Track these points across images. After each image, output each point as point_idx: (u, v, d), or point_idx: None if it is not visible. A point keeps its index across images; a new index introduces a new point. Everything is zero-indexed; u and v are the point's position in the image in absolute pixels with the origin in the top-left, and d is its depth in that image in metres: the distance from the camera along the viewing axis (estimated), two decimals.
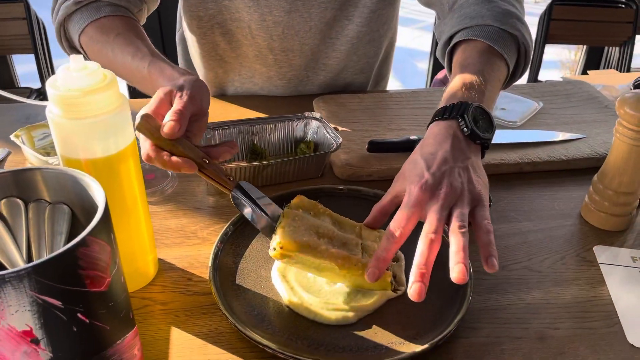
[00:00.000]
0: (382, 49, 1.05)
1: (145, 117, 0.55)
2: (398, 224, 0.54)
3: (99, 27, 0.77)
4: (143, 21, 0.90)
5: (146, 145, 0.56)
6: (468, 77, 0.66)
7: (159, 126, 0.55)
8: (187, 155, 0.56)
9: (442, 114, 0.62)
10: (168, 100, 0.58)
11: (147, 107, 0.57)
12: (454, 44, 0.78)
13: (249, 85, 1.04)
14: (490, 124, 0.62)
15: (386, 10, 0.98)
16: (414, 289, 0.50)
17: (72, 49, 0.85)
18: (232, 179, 0.59)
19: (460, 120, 0.60)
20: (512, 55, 0.75)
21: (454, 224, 0.53)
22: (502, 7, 0.76)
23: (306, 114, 0.83)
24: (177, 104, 0.56)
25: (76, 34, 0.80)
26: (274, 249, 0.56)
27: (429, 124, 0.64)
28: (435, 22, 0.87)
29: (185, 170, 0.55)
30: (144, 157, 0.56)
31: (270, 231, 0.58)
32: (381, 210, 0.61)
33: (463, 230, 0.52)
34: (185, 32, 1.05)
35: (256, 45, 0.97)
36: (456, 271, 0.49)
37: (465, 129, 0.60)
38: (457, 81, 0.66)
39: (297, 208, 0.60)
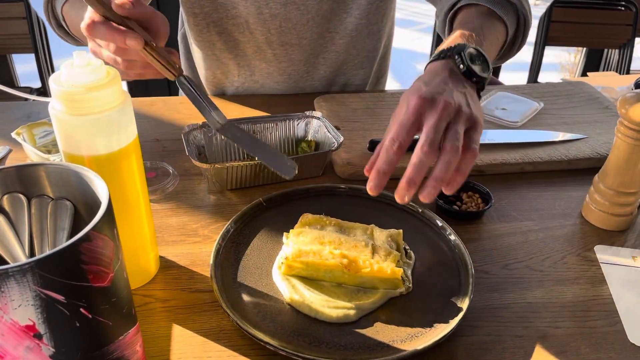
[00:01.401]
0: (382, 43, 1.06)
1: None
2: (397, 135, 0.53)
3: None
4: None
5: (94, 15, 0.55)
6: (467, 31, 0.67)
7: (108, 2, 0.55)
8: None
9: (439, 55, 0.61)
10: None
11: None
12: (455, 11, 0.79)
13: (249, 83, 1.04)
14: (486, 66, 0.61)
15: (384, 3, 0.99)
16: (398, 196, 0.52)
17: (60, 27, 0.88)
18: (178, 65, 0.59)
19: (457, 57, 0.60)
20: (512, 21, 0.75)
21: (449, 141, 0.52)
22: None
23: (307, 113, 0.83)
24: None
25: (59, 5, 0.83)
26: (282, 263, 0.58)
27: (426, 66, 0.63)
28: (436, 12, 0.89)
29: (130, 41, 0.54)
30: (85, 24, 0.55)
31: (214, 125, 0.59)
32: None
33: (456, 148, 0.51)
34: (186, 30, 1.05)
35: (254, 40, 0.97)
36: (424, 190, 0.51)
37: (461, 66, 0.59)
38: (456, 34, 0.67)
39: (302, 226, 0.63)
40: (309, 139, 0.83)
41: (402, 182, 0.51)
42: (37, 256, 0.34)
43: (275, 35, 0.96)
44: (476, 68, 0.59)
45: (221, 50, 1.00)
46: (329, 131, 0.80)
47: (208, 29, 0.97)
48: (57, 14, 0.85)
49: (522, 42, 0.80)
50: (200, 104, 0.59)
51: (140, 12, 0.56)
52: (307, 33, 0.97)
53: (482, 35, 0.66)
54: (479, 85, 0.61)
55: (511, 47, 0.80)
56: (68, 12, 0.83)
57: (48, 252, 0.34)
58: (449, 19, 0.80)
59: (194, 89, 0.59)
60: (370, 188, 0.53)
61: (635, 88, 1.07)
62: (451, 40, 0.65)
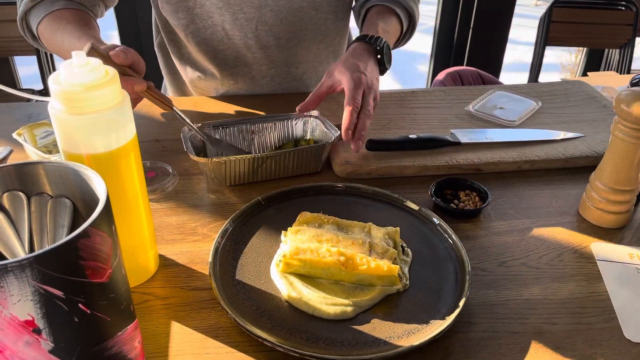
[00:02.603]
0: (347, 37, 1.10)
1: (91, 44, 0.67)
2: (356, 100, 0.76)
3: (54, 17, 0.86)
4: (101, 15, 0.94)
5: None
6: (381, 26, 0.92)
7: (106, 54, 0.67)
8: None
9: (365, 38, 0.87)
10: (114, 47, 0.70)
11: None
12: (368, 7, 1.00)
13: (234, 90, 1.06)
14: (389, 59, 0.88)
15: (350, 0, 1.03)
16: (353, 147, 0.76)
17: (34, 39, 0.93)
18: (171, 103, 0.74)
19: (377, 48, 0.86)
20: (405, 18, 0.98)
21: (366, 108, 0.78)
22: None
23: (305, 112, 0.84)
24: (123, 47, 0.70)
25: (34, 25, 0.88)
26: (280, 261, 0.59)
27: (353, 42, 0.88)
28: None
29: (138, 87, 0.69)
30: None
31: (212, 144, 0.78)
32: (320, 97, 0.82)
33: (368, 113, 0.77)
34: (165, 40, 1.06)
35: (233, 47, 0.99)
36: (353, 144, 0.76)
37: (379, 57, 0.86)
38: (376, 27, 0.91)
39: (300, 224, 0.63)
40: (308, 137, 0.84)
41: (347, 133, 0.75)
42: (36, 252, 0.34)
43: (252, 40, 0.98)
44: (386, 60, 0.87)
45: (202, 62, 1.02)
46: (326, 127, 0.81)
47: (187, 40, 0.99)
48: (33, 31, 0.90)
49: (410, 36, 1.03)
50: (189, 132, 0.77)
51: (131, 59, 0.69)
52: (282, 33, 0.99)
53: (389, 33, 0.92)
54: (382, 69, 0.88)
55: (402, 40, 1.02)
56: (43, 32, 0.88)
57: (47, 247, 0.35)
58: (363, 10, 1.00)
59: (182, 117, 0.75)
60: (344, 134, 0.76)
61: (632, 86, 1.08)
62: (373, 30, 0.90)
